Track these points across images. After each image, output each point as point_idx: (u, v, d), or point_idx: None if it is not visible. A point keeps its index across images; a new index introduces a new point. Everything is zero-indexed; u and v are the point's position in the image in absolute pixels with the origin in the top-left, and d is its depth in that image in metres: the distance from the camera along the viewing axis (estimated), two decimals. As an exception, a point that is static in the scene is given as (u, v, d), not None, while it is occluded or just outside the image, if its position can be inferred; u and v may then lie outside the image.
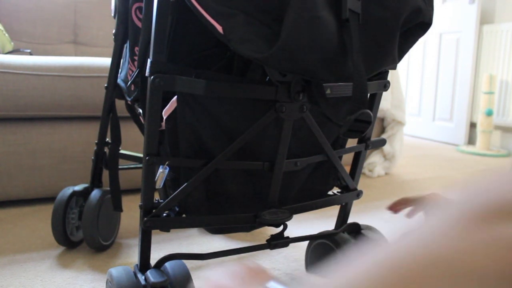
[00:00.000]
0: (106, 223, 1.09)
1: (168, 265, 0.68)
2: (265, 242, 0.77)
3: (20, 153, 1.39)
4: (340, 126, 0.59)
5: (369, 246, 0.27)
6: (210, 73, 0.63)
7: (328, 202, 0.83)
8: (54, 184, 1.45)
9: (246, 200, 0.75)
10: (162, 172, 0.67)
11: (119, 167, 1.04)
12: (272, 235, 0.78)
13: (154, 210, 0.67)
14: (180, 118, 0.65)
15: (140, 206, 0.66)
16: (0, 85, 1.31)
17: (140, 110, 0.79)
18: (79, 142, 1.46)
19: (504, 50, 2.69)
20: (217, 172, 0.71)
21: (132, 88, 0.83)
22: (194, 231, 1.23)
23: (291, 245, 0.78)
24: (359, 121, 0.58)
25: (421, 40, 3.18)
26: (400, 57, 0.67)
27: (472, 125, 2.89)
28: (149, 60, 0.60)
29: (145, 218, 0.66)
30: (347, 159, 1.19)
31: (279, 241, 0.77)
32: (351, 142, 0.79)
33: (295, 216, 1.34)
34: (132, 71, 0.83)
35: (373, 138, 0.84)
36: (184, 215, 0.72)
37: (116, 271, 0.67)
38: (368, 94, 0.77)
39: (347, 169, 0.84)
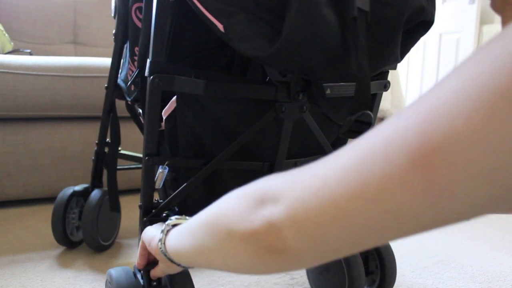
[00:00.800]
0: (106, 223, 1.09)
1: (168, 265, 0.68)
2: None
3: (20, 153, 1.39)
4: (340, 126, 0.59)
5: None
6: (209, 73, 0.63)
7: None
8: (54, 184, 1.45)
9: (246, 200, 0.75)
10: (161, 172, 0.66)
11: (119, 167, 1.04)
12: None
13: (153, 210, 0.67)
14: (179, 118, 0.65)
15: (140, 206, 0.66)
16: (0, 85, 1.31)
17: (140, 110, 0.79)
18: (79, 142, 1.46)
19: (504, 50, 2.69)
20: (217, 172, 0.71)
21: (132, 88, 0.83)
22: (194, 231, 1.23)
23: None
24: (360, 122, 0.58)
25: (421, 40, 3.18)
26: (402, 56, 0.67)
27: (472, 125, 2.88)
28: (148, 60, 0.60)
29: (145, 218, 0.66)
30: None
31: None
32: (351, 142, 0.79)
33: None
34: (132, 71, 0.83)
35: (373, 138, 0.84)
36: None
37: (115, 271, 0.67)
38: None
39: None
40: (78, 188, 1.09)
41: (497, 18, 2.78)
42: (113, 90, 0.99)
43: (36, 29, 2.23)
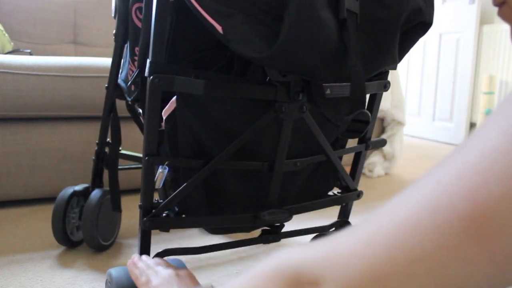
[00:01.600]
0: (106, 223, 1.09)
1: (168, 265, 0.68)
2: (258, 236, 0.78)
3: (20, 153, 1.39)
4: (339, 126, 0.59)
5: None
6: (209, 73, 0.63)
7: (328, 202, 0.83)
8: (54, 184, 1.45)
9: (245, 200, 0.75)
10: (161, 172, 0.67)
11: (119, 167, 1.04)
12: (264, 229, 0.79)
13: (153, 210, 0.67)
14: (179, 118, 0.65)
15: (140, 206, 0.66)
16: (0, 85, 1.31)
17: (140, 110, 0.79)
18: (79, 142, 1.46)
19: (504, 50, 2.69)
20: (216, 172, 0.71)
21: (133, 88, 0.83)
22: (193, 231, 1.23)
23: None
24: (357, 121, 0.58)
25: (421, 40, 3.18)
26: (401, 57, 0.67)
27: (472, 125, 2.89)
28: (148, 61, 0.60)
29: (145, 218, 0.66)
30: (347, 160, 1.19)
31: (271, 235, 0.78)
32: (351, 143, 0.79)
33: (295, 217, 1.33)
34: (133, 71, 0.83)
35: (373, 139, 0.84)
36: (183, 215, 0.72)
37: (115, 271, 0.67)
38: (368, 95, 0.77)
39: (347, 169, 0.84)
40: (78, 188, 1.09)
41: (497, 18, 2.78)
42: (114, 90, 0.99)
43: (36, 29, 2.23)
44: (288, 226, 0.84)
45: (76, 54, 2.31)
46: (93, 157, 1.08)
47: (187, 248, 0.71)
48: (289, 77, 0.63)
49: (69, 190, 1.08)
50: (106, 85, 1.00)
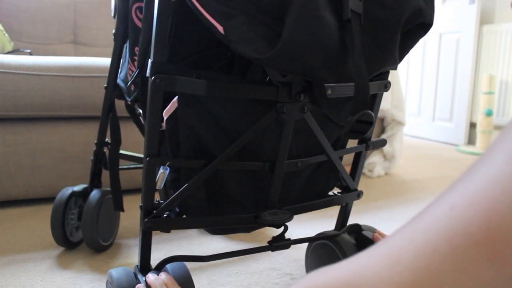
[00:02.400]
0: (106, 224, 1.09)
1: (168, 266, 0.68)
2: (267, 244, 0.77)
3: (20, 153, 1.39)
4: (342, 126, 0.59)
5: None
6: (210, 73, 0.62)
7: (328, 202, 0.83)
8: (54, 184, 1.45)
9: (246, 200, 0.75)
10: (162, 173, 0.66)
11: (119, 167, 1.04)
12: (273, 237, 0.78)
13: (154, 211, 0.66)
14: (181, 118, 0.65)
15: (141, 207, 0.66)
16: (0, 85, 1.31)
17: (140, 110, 0.79)
18: (79, 142, 1.46)
19: (504, 50, 2.69)
20: (217, 173, 0.70)
21: (132, 88, 0.83)
22: (194, 231, 1.23)
23: (291, 246, 0.78)
24: (361, 122, 0.58)
25: (421, 40, 3.18)
26: (401, 57, 0.67)
27: (472, 125, 2.89)
28: (149, 61, 0.60)
29: (146, 219, 0.65)
30: (347, 160, 1.19)
31: (280, 243, 0.77)
32: (352, 143, 0.79)
33: (295, 217, 1.33)
34: (132, 71, 0.83)
35: (373, 139, 0.84)
36: (184, 216, 0.72)
37: (116, 272, 0.67)
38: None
39: (348, 169, 0.84)
40: (77, 188, 1.09)
41: (497, 18, 2.78)
42: (113, 90, 0.99)
43: (36, 29, 2.23)
44: (291, 228, 0.83)
45: (76, 54, 2.31)
46: (92, 158, 1.07)
47: (193, 256, 0.71)
48: (290, 77, 0.63)
49: (68, 190, 1.07)
50: (105, 85, 1.00)
